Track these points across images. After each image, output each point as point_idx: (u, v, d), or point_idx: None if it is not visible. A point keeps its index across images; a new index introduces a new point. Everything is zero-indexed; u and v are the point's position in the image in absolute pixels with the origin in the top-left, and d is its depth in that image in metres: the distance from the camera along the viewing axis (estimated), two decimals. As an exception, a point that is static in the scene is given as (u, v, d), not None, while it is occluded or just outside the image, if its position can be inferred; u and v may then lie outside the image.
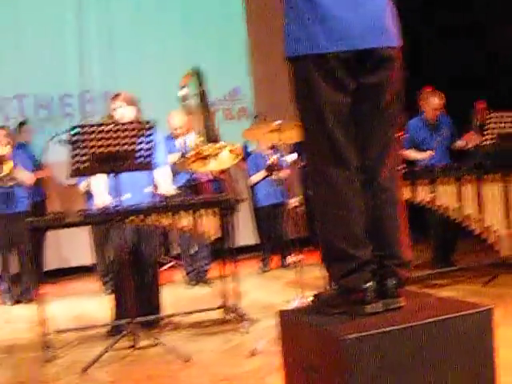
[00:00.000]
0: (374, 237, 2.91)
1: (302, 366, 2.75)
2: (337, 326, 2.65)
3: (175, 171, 7.15)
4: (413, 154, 7.39)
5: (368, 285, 2.83)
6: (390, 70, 2.88)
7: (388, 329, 2.54)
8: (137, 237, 5.79)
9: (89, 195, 7.66)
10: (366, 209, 2.92)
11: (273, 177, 8.28)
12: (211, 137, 5.86)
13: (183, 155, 7.60)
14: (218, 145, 5.69)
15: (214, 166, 6.04)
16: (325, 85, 2.82)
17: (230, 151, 5.81)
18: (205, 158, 5.93)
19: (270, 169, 8.39)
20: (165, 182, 5.95)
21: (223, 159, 5.85)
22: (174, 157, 7.52)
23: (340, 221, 2.88)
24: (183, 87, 6.25)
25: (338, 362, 2.48)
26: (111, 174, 5.27)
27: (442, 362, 2.58)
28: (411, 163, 7.32)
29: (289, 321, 2.95)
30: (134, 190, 5.56)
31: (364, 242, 2.88)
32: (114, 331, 5.59)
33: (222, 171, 9.31)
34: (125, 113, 5.72)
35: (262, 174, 8.68)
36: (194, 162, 5.78)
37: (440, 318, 2.64)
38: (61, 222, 5.13)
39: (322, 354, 2.61)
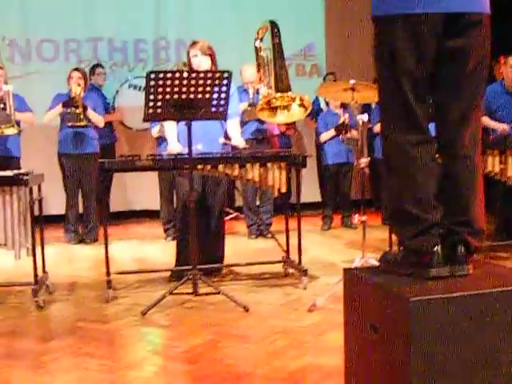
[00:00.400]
0: (449, 203, 2.89)
1: (364, 325, 2.76)
2: (403, 287, 2.64)
3: (243, 120, 7.16)
4: (487, 122, 7.22)
5: (435, 248, 2.82)
6: (478, 35, 2.82)
7: (456, 294, 2.52)
8: (204, 185, 5.84)
9: (160, 141, 7.74)
10: (443, 175, 2.90)
11: (341, 137, 8.24)
12: (283, 87, 5.83)
13: (252, 104, 7.61)
14: (288, 94, 5.67)
15: (282, 118, 6.04)
16: (408, 50, 2.78)
17: (300, 104, 5.79)
18: (274, 108, 5.94)
19: (340, 128, 8.36)
20: (236, 134, 5.96)
21: (292, 112, 5.84)
22: (243, 105, 7.53)
23: (410, 184, 2.87)
24: (258, 39, 6.25)
25: (401, 323, 2.48)
26: (183, 122, 5.31)
27: (509, 332, 2.56)
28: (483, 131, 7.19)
29: (353, 279, 2.95)
30: (205, 139, 5.58)
31: (433, 206, 2.86)
32: (175, 277, 5.67)
33: (290, 127, 9.36)
34: (201, 61, 5.72)
35: (331, 132, 8.65)
36: (262, 109, 5.79)
37: (508, 287, 2.62)
38: (132, 166, 5.21)
39: (386, 314, 2.60)
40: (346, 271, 3.01)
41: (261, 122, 7.68)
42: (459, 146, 2.88)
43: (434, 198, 2.85)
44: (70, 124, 7.89)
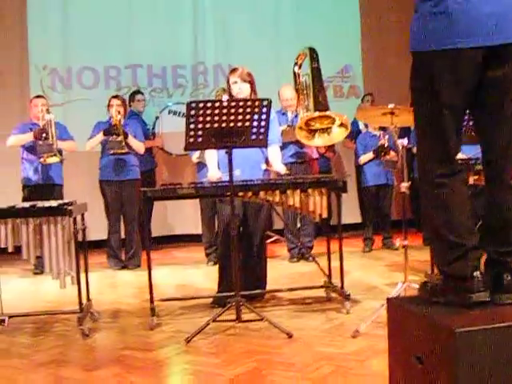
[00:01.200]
0: (494, 232, 2.90)
1: (408, 355, 2.76)
2: (447, 317, 2.64)
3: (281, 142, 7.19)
4: None
5: (474, 274, 2.82)
6: None
7: (501, 324, 2.51)
8: (246, 210, 5.87)
9: (200, 166, 7.80)
10: (488, 202, 2.92)
11: (381, 159, 8.25)
12: (321, 107, 5.87)
13: (291, 126, 7.63)
14: (327, 113, 5.71)
15: (321, 141, 6.09)
16: (448, 83, 2.81)
17: (340, 125, 5.82)
18: (313, 131, 5.97)
19: (379, 151, 8.36)
20: (277, 160, 5.99)
21: (332, 135, 5.88)
22: (282, 127, 7.56)
23: (444, 212, 2.90)
24: (297, 65, 6.30)
25: (447, 354, 2.47)
26: (223, 150, 5.34)
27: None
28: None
29: (396, 308, 2.95)
30: (245, 166, 5.62)
31: (469, 231, 2.88)
32: (217, 303, 5.70)
33: (329, 149, 9.38)
34: (242, 88, 5.76)
35: (370, 155, 8.67)
36: (301, 129, 5.82)
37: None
38: (173, 194, 5.26)
39: (430, 344, 2.60)
40: (389, 301, 3.01)
41: (300, 145, 7.71)
42: (506, 175, 2.88)
43: (470, 223, 2.87)
44: (111, 152, 7.98)
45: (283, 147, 7.35)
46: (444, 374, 2.51)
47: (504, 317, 2.61)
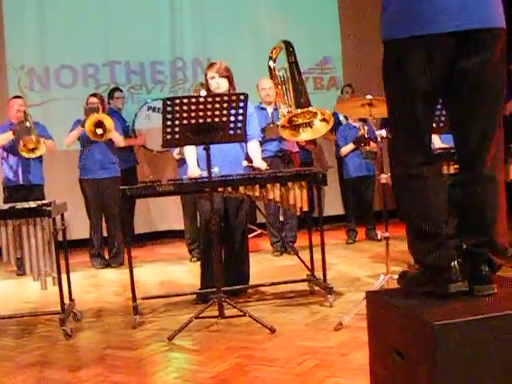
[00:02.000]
0: (471, 223, 2.90)
1: (388, 350, 2.75)
2: (426, 311, 2.63)
3: (263, 139, 7.18)
4: None
5: (452, 263, 2.82)
6: (492, 51, 2.81)
7: (481, 316, 2.50)
8: (226, 205, 5.86)
9: (181, 162, 7.77)
10: (464, 194, 2.91)
11: (361, 150, 8.25)
12: (303, 103, 5.85)
13: (272, 123, 7.63)
14: (309, 109, 5.71)
15: (306, 135, 6.09)
16: (419, 71, 2.80)
17: (322, 119, 5.82)
18: (297, 126, 5.96)
19: (359, 141, 8.35)
20: (257, 156, 5.99)
21: (315, 128, 5.87)
22: (265, 125, 7.55)
23: (419, 203, 2.90)
24: (272, 59, 6.29)
25: (426, 348, 2.47)
26: (201, 146, 5.33)
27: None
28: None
29: (376, 302, 2.94)
30: (224, 162, 5.61)
31: (444, 221, 2.88)
32: (201, 299, 5.69)
33: (309, 142, 9.37)
34: (219, 83, 5.75)
35: (350, 146, 8.67)
36: (284, 127, 5.82)
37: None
38: (153, 191, 5.24)
39: (410, 338, 2.60)
40: (369, 294, 3.00)
41: (280, 139, 7.70)
42: (481, 165, 2.88)
43: (445, 214, 2.86)
44: (92, 137, 7.85)
45: (264, 142, 7.36)
46: (424, 367, 2.50)
47: (483, 309, 2.60)
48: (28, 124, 7.60)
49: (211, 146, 5.01)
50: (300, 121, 5.93)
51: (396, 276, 4.81)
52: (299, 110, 5.80)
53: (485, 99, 2.86)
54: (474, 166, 2.91)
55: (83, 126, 7.88)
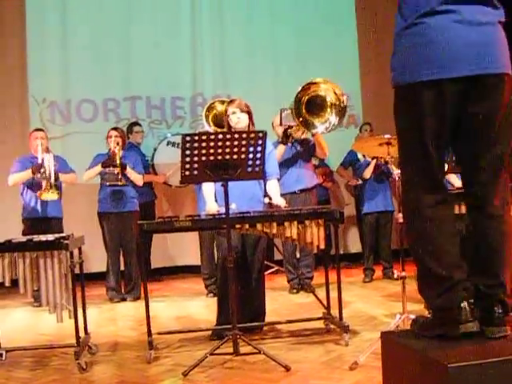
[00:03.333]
0: (480, 264, 2.91)
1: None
2: (440, 352, 2.62)
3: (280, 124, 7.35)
4: None
5: (462, 304, 2.82)
6: (499, 95, 2.87)
7: (494, 359, 2.49)
8: (244, 242, 5.87)
9: (200, 196, 7.78)
10: (473, 234, 2.92)
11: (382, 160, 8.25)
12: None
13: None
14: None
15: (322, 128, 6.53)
16: (431, 114, 2.83)
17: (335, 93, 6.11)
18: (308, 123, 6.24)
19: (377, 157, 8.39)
20: (277, 194, 6.01)
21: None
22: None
23: (431, 245, 2.91)
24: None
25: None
26: (219, 183, 5.36)
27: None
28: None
29: (390, 343, 2.94)
30: (242, 198, 5.63)
31: (456, 264, 2.89)
32: (216, 335, 5.68)
33: (327, 179, 9.42)
34: (241, 118, 5.79)
35: (371, 165, 8.65)
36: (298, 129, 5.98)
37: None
38: (170, 227, 5.25)
39: (424, 379, 2.59)
40: (384, 335, 3.00)
41: (298, 175, 7.75)
42: (489, 205, 2.90)
43: (457, 256, 2.87)
44: (108, 183, 7.99)
45: (283, 172, 7.41)
46: (438, 409, 2.49)
47: (496, 351, 2.60)
48: (47, 175, 7.63)
49: (230, 183, 5.03)
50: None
51: (412, 316, 4.82)
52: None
53: (492, 141, 2.90)
54: (482, 205, 2.93)
55: (103, 166, 7.96)
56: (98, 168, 8.03)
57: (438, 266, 2.87)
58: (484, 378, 2.44)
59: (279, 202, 5.88)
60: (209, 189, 5.93)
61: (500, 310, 2.84)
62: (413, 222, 2.99)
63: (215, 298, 6.21)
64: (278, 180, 6.13)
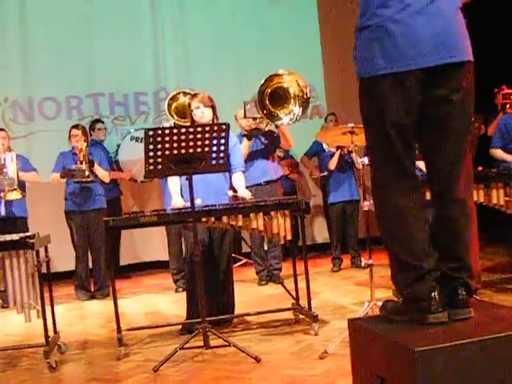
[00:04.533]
0: (446, 248, 2.94)
1: (371, 376, 2.76)
2: (407, 336, 2.65)
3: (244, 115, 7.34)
4: (501, 155, 7.17)
5: (432, 294, 2.84)
6: (459, 84, 2.91)
7: (460, 342, 2.52)
8: (210, 236, 5.86)
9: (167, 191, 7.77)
10: (438, 219, 2.95)
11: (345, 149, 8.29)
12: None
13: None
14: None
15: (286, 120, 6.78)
16: (395, 105, 2.86)
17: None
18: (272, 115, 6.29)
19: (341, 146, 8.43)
20: (242, 186, 6.00)
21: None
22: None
23: (402, 234, 2.93)
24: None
25: (407, 373, 2.48)
26: (184, 176, 5.35)
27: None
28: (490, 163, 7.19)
29: (358, 329, 2.96)
30: (208, 192, 5.64)
31: (427, 253, 2.92)
32: (186, 330, 5.68)
33: (293, 171, 9.44)
34: (204, 113, 5.78)
35: (335, 156, 8.69)
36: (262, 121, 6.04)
37: (512, 331, 2.61)
38: (136, 222, 5.24)
39: (392, 364, 2.61)
40: (351, 322, 3.02)
41: (263, 167, 7.77)
42: (454, 190, 2.93)
43: (427, 244, 2.89)
44: (76, 180, 7.93)
45: (249, 165, 7.42)
46: (406, 393, 2.51)
47: (462, 334, 2.62)
48: (11, 175, 7.57)
49: (194, 176, 5.02)
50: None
51: (380, 303, 4.86)
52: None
53: (454, 127, 2.94)
54: (445, 190, 2.96)
55: (62, 176, 7.97)
56: (58, 178, 8.02)
57: (408, 254, 2.89)
58: (451, 360, 2.46)
59: (245, 194, 5.88)
60: (175, 184, 5.92)
61: (464, 293, 2.88)
62: (383, 209, 3.01)
63: (184, 293, 6.20)
64: (243, 172, 6.11)
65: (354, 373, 3.00)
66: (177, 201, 5.81)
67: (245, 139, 7.62)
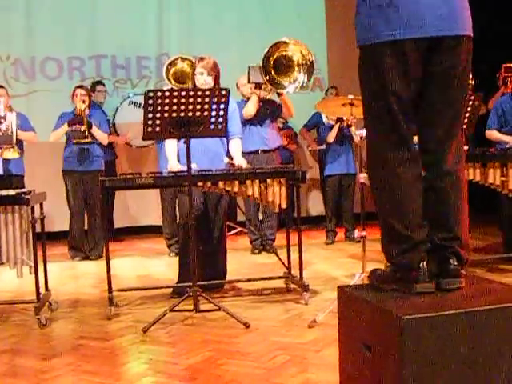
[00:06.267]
0: (436, 219, 2.96)
1: (358, 344, 2.78)
2: (395, 305, 2.66)
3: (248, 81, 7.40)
4: (497, 135, 7.16)
5: (421, 264, 2.86)
6: (458, 57, 2.92)
7: (448, 312, 2.54)
8: (205, 201, 5.87)
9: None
10: (428, 190, 2.97)
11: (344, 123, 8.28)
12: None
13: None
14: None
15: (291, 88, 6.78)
16: (395, 74, 2.86)
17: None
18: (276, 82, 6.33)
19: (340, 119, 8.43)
20: (238, 153, 5.99)
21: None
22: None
23: (396, 203, 2.94)
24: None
25: (394, 342, 2.49)
26: (181, 141, 5.35)
27: (502, 351, 2.57)
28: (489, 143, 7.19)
29: (347, 296, 2.97)
30: (204, 157, 5.64)
31: (419, 224, 2.93)
32: (177, 293, 5.70)
33: (292, 142, 9.43)
34: (207, 81, 5.75)
35: (334, 130, 8.69)
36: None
37: (501, 305, 2.63)
38: (132, 183, 5.25)
39: (378, 332, 2.62)
40: (340, 289, 3.03)
41: (262, 135, 7.77)
42: (444, 162, 2.96)
43: (420, 216, 2.91)
44: (75, 141, 7.93)
45: (246, 133, 7.41)
46: (391, 361, 2.53)
47: (450, 304, 2.64)
48: (9, 133, 7.53)
49: (192, 141, 5.02)
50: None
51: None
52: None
53: (450, 100, 2.97)
54: (436, 162, 2.99)
55: (69, 124, 7.90)
56: (65, 127, 7.96)
57: (401, 224, 2.91)
58: (437, 330, 2.48)
59: (240, 162, 5.88)
60: (171, 148, 5.90)
61: (455, 263, 2.90)
62: (379, 179, 3.01)
63: (177, 258, 6.22)
64: (241, 139, 6.10)
65: (340, 340, 3.02)
66: (173, 164, 5.80)
67: (249, 104, 7.61)
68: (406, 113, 2.93)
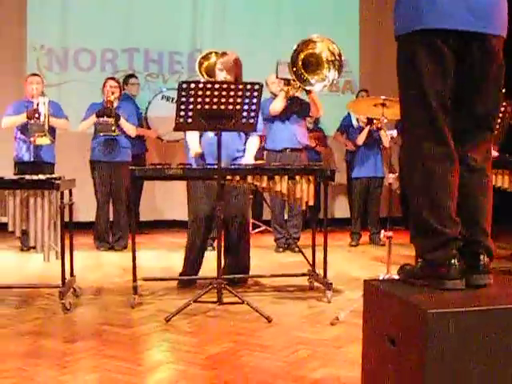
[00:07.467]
0: (467, 213, 2.95)
1: (382, 337, 2.78)
2: (421, 299, 2.66)
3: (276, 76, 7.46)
4: None
5: (452, 261, 2.86)
6: (493, 57, 2.93)
7: (474, 308, 2.53)
8: (229, 196, 5.90)
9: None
10: (460, 188, 2.97)
11: (374, 125, 8.26)
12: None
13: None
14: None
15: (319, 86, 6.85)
16: (430, 65, 2.86)
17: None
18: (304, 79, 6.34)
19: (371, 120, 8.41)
20: (251, 151, 6.02)
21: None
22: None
23: (432, 197, 2.92)
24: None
25: (418, 336, 2.49)
26: (207, 135, 5.42)
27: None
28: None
29: (372, 290, 2.97)
30: (222, 155, 5.65)
31: (454, 220, 2.91)
32: (182, 283, 6.01)
33: (320, 143, 9.43)
34: (226, 78, 5.74)
35: (364, 132, 8.69)
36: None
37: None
38: (162, 174, 5.28)
39: (403, 325, 2.62)
40: (366, 282, 3.04)
41: (291, 132, 7.80)
42: (473, 158, 2.97)
43: (455, 212, 2.90)
44: (102, 134, 7.99)
45: (274, 131, 7.48)
46: (415, 355, 2.52)
47: (477, 300, 2.64)
48: (41, 121, 7.61)
49: (211, 136, 5.07)
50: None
51: (396, 277, 4.88)
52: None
53: (481, 102, 2.96)
54: (466, 158, 2.97)
55: (97, 115, 7.96)
56: (93, 118, 8.03)
57: (435, 219, 2.89)
58: (462, 325, 2.47)
59: (247, 160, 5.91)
60: (193, 137, 5.95)
61: (486, 258, 2.90)
62: (416, 173, 2.99)
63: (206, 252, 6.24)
64: (259, 137, 6.12)
65: (364, 333, 3.01)
66: (194, 147, 5.89)
67: (277, 100, 7.64)
68: (444, 106, 2.92)
